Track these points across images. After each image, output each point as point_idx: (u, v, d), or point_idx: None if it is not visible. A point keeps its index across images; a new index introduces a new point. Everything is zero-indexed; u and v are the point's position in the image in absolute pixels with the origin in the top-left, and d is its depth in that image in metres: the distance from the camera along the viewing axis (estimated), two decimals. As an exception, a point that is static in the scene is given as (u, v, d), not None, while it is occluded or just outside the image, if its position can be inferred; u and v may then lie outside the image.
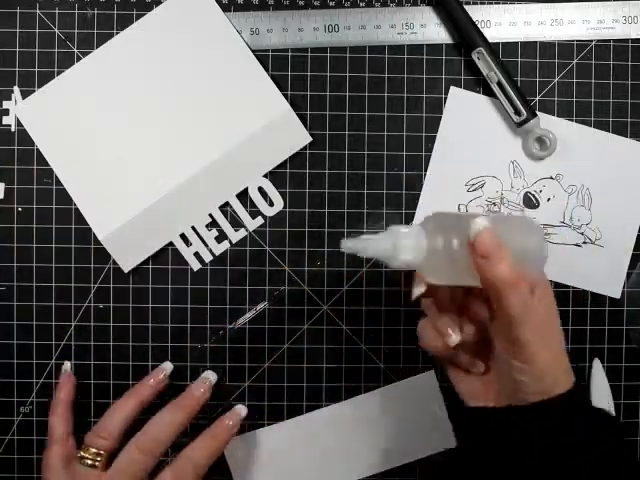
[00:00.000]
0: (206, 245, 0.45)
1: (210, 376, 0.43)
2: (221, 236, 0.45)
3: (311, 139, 0.45)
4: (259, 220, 0.45)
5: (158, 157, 0.44)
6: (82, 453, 0.40)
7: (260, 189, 0.45)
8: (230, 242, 0.45)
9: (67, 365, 0.44)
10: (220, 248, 0.45)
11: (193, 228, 0.45)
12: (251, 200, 0.45)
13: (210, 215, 0.45)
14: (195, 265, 0.45)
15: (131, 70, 0.44)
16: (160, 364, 0.44)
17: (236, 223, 0.45)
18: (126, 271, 0.45)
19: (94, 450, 0.40)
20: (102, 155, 0.44)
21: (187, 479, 0.40)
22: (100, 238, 0.44)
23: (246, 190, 0.45)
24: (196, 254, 0.45)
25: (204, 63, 0.44)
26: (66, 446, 0.41)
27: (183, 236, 0.45)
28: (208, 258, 0.45)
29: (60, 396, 0.43)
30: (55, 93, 0.44)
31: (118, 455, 0.40)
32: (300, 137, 0.45)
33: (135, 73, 0.44)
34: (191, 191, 0.44)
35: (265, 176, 0.45)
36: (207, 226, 0.45)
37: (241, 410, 0.43)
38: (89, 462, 0.40)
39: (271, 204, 0.45)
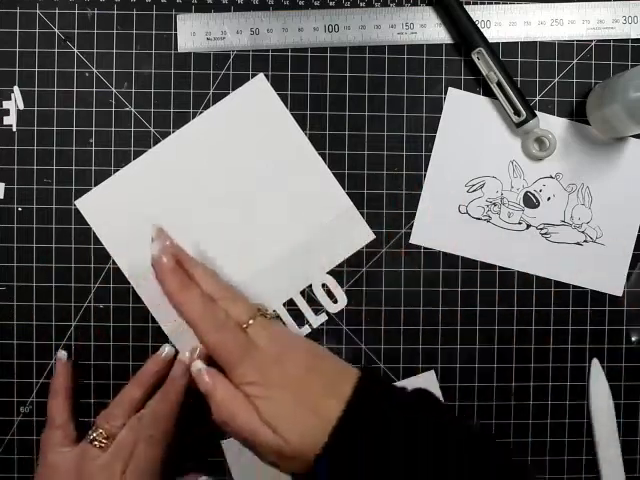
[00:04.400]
0: None
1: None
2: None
3: (374, 236, 0.45)
4: (323, 317, 0.46)
5: (221, 254, 0.45)
6: (94, 435, 0.41)
7: (324, 285, 0.45)
8: None
9: (61, 354, 0.44)
10: None
11: None
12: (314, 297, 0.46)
13: (274, 311, 0.45)
14: None
15: (193, 166, 0.45)
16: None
17: (300, 319, 0.46)
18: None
19: (104, 434, 0.41)
20: None
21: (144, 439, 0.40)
22: (167, 332, 0.45)
23: (310, 286, 0.45)
24: None
25: (267, 159, 0.45)
26: (67, 430, 0.42)
27: None
28: None
29: (58, 382, 0.43)
30: (118, 186, 0.45)
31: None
32: (363, 234, 0.45)
33: (197, 169, 0.45)
34: (255, 287, 0.45)
35: (328, 273, 0.45)
36: None
37: (185, 359, 0.42)
38: (98, 444, 0.40)
39: (335, 301, 0.46)
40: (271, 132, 0.45)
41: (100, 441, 0.40)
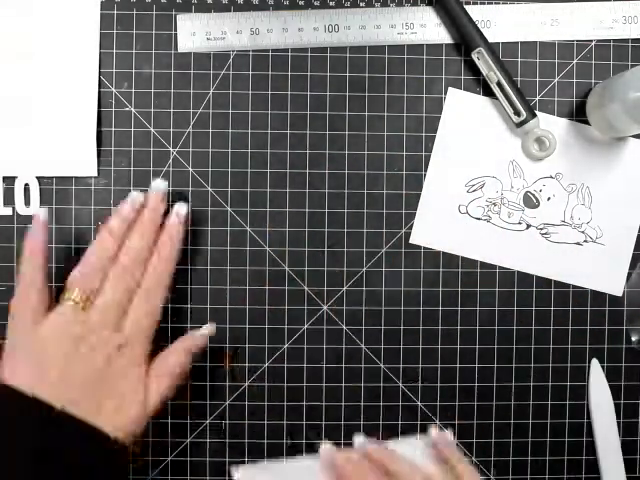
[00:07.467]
0: None
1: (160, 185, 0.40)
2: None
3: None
4: None
5: None
6: (72, 296, 0.37)
7: None
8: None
9: (40, 211, 0.39)
10: None
11: None
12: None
13: None
14: None
15: None
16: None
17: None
18: None
19: (82, 294, 0.37)
20: None
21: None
22: None
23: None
24: None
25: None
26: (44, 295, 0.37)
27: None
28: None
29: (37, 241, 0.38)
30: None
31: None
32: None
33: None
34: None
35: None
36: None
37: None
38: (73, 302, 0.36)
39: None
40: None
41: (78, 299, 0.36)
